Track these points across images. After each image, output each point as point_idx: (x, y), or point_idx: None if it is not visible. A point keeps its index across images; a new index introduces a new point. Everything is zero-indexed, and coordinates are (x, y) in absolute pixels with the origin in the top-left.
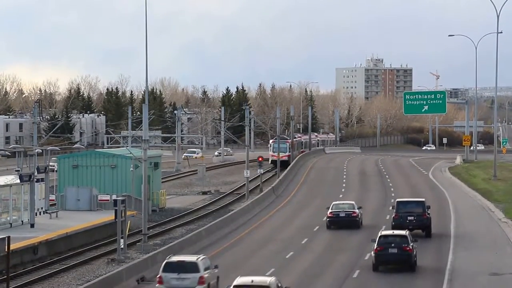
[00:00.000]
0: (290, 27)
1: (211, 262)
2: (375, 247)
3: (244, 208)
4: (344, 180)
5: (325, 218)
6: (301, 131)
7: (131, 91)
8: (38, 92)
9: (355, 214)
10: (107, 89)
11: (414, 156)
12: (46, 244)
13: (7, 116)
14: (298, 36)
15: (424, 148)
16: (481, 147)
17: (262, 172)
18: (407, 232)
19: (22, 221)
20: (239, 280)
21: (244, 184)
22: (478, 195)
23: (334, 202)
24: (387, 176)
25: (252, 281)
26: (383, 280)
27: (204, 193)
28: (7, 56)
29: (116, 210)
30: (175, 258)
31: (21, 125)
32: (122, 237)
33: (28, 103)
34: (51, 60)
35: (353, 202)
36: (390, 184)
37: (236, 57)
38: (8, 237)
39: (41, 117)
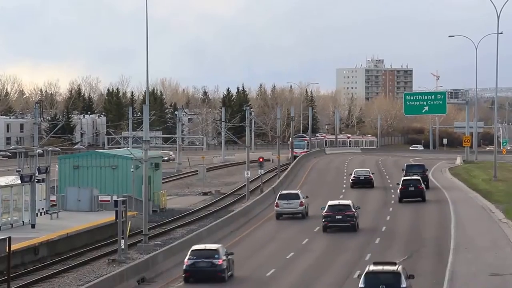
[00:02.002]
0: (290, 28)
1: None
2: (400, 187)
3: (244, 209)
4: (344, 181)
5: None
6: (301, 132)
7: (132, 92)
8: (39, 92)
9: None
10: (108, 89)
11: (415, 157)
12: (47, 245)
13: (8, 117)
14: (299, 36)
15: (411, 148)
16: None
17: (262, 173)
18: (419, 176)
19: (23, 222)
20: None
21: (245, 185)
22: (478, 196)
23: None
24: (387, 177)
25: None
26: None
27: (205, 193)
28: (8, 56)
29: (116, 211)
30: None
31: (22, 125)
32: (122, 238)
33: (29, 104)
34: (52, 60)
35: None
36: (391, 185)
37: (237, 58)
38: (9, 237)
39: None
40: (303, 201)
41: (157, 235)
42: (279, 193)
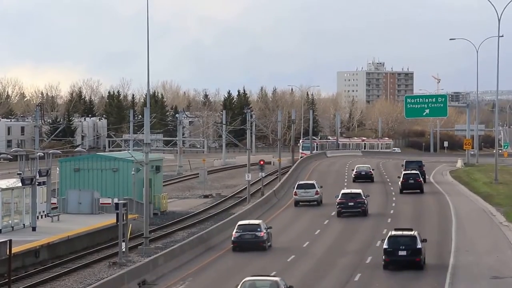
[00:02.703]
0: (291, 31)
1: None
2: (401, 180)
3: (245, 212)
4: (345, 184)
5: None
6: (301, 134)
7: (133, 95)
8: (40, 95)
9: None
10: (109, 92)
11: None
12: (47, 248)
13: (9, 120)
14: (300, 39)
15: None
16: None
17: (263, 176)
18: (417, 171)
19: (24, 225)
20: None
21: (246, 188)
22: (479, 199)
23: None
24: (388, 180)
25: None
26: (385, 284)
27: (206, 196)
28: (9, 59)
29: (117, 214)
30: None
31: (23, 128)
32: (123, 241)
33: (30, 107)
34: (53, 63)
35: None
36: (391, 188)
37: (238, 61)
38: (10, 240)
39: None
40: (318, 190)
41: (158, 238)
42: (297, 183)
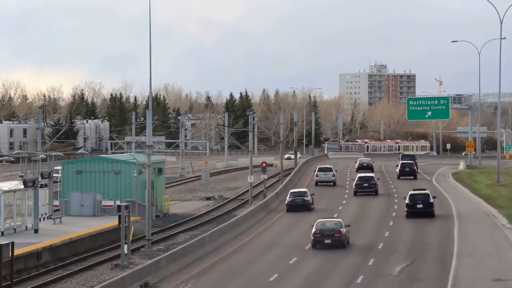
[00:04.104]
0: (293, 33)
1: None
2: (398, 168)
3: (247, 214)
4: (347, 185)
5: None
6: (304, 137)
7: (135, 97)
8: (42, 97)
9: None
10: (111, 94)
11: (418, 162)
12: (50, 250)
13: (11, 122)
14: (302, 42)
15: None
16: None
17: (265, 178)
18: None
19: (26, 227)
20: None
21: (248, 190)
22: (481, 201)
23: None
24: (390, 182)
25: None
26: (386, 286)
27: (208, 198)
28: (11, 61)
29: (119, 216)
30: (322, 166)
31: (25, 130)
32: (126, 243)
33: (32, 109)
34: (55, 65)
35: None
36: (394, 190)
37: (240, 63)
38: (12, 242)
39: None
40: (334, 173)
41: (160, 240)
42: (318, 167)
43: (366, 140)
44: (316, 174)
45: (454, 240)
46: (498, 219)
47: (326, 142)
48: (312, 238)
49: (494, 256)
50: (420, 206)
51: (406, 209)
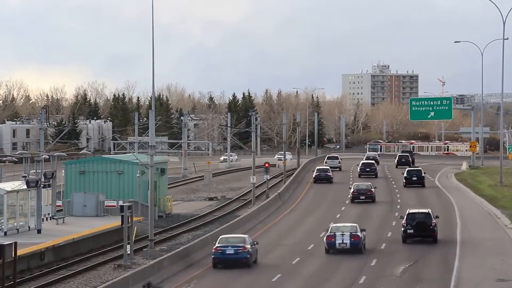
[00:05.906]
0: (296, 34)
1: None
2: (396, 159)
3: (250, 214)
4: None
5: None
6: (307, 137)
7: (138, 97)
8: (45, 98)
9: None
10: (114, 95)
11: (421, 162)
12: (52, 250)
13: (14, 122)
14: (305, 42)
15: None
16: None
17: (268, 178)
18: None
19: (29, 227)
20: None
21: (251, 190)
22: (484, 201)
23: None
24: (393, 182)
25: None
26: (389, 287)
27: (211, 199)
28: (14, 62)
29: (122, 216)
30: (330, 154)
31: (28, 131)
32: (128, 243)
33: (35, 109)
34: (58, 66)
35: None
36: (396, 190)
37: (242, 64)
38: (15, 242)
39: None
40: (340, 161)
41: (163, 240)
42: (327, 156)
43: (412, 141)
44: (326, 161)
45: (456, 240)
46: (501, 220)
47: (368, 143)
48: (350, 196)
49: (497, 256)
50: (414, 179)
51: (403, 180)
